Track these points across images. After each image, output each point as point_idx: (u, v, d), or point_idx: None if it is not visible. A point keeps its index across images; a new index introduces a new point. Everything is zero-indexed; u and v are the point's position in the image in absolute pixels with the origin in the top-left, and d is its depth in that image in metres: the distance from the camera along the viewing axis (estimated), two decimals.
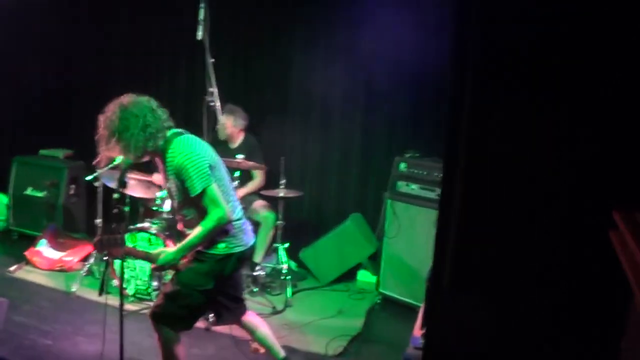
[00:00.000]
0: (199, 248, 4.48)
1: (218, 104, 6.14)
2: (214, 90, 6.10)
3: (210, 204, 4.33)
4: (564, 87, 2.83)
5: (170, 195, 4.62)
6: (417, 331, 4.88)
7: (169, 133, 4.45)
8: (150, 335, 5.73)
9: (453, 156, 3.13)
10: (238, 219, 4.59)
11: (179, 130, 4.54)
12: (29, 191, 8.34)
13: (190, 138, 4.50)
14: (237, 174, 6.61)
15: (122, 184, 4.55)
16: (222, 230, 4.45)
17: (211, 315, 5.80)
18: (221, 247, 4.50)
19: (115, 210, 4.55)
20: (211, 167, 4.39)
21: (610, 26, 2.67)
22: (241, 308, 5.04)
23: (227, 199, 4.47)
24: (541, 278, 2.94)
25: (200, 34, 6.08)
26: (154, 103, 4.48)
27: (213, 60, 6.12)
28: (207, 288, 4.52)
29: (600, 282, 2.82)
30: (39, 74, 8.88)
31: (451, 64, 3.11)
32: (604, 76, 2.72)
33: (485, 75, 2.99)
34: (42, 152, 8.72)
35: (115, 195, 4.59)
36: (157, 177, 6.86)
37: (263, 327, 5.15)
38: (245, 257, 4.70)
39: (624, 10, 2.63)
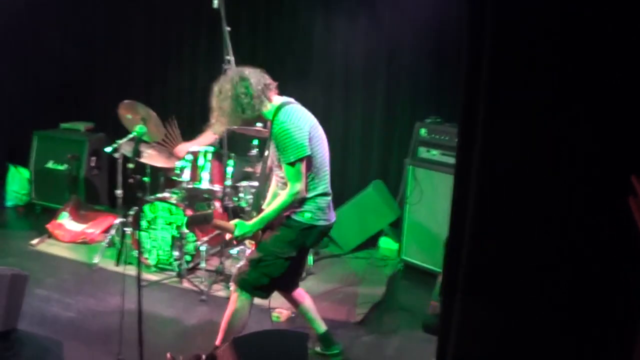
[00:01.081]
0: (288, 213, 4.62)
1: None
2: (231, 58, 6.04)
3: (291, 178, 4.52)
4: (582, 64, 2.74)
5: (267, 159, 4.87)
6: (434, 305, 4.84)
7: (276, 102, 4.68)
8: (171, 305, 5.80)
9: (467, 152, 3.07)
10: (325, 194, 4.75)
11: (287, 100, 4.76)
12: (50, 164, 8.35)
13: (291, 109, 4.65)
14: (255, 142, 6.56)
15: (137, 153, 4.56)
16: (309, 202, 4.63)
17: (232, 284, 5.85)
18: (307, 217, 4.64)
19: (130, 180, 4.57)
20: (309, 139, 4.56)
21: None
22: (297, 282, 5.16)
23: (317, 173, 4.66)
24: (556, 278, 2.87)
25: (216, 2, 6.02)
26: (253, 75, 4.65)
27: (229, 28, 6.06)
28: (290, 256, 4.67)
29: (617, 285, 2.75)
30: (58, 47, 8.88)
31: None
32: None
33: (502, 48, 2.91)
34: (63, 125, 8.72)
35: (130, 165, 4.59)
36: (180, 148, 6.87)
37: (307, 301, 5.19)
38: (325, 233, 4.87)
39: None
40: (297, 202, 4.59)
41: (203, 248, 6.47)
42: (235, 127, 4.93)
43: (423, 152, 6.84)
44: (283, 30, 8.11)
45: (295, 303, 5.20)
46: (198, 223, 4.77)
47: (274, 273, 4.68)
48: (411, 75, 7.52)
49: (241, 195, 6.59)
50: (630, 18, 2.56)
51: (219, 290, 6.33)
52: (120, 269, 6.71)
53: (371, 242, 7.61)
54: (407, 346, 5.57)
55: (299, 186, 4.51)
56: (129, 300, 5.62)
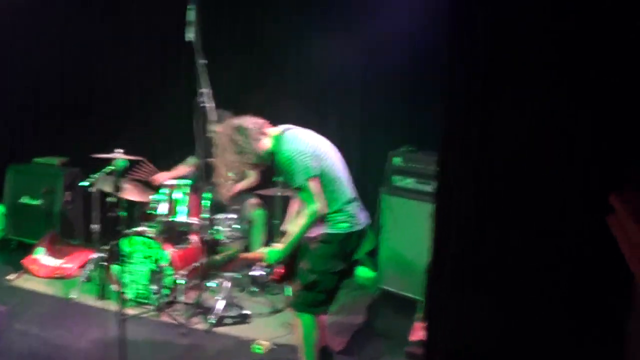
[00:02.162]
0: (323, 230, 4.82)
1: (211, 104, 6.11)
2: (206, 90, 6.08)
3: (306, 199, 4.73)
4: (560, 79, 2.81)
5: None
6: (418, 325, 4.90)
7: (274, 133, 4.91)
8: (151, 338, 5.79)
9: (451, 150, 3.12)
10: (351, 201, 4.92)
11: (284, 127, 4.98)
12: (25, 199, 8.30)
13: (290, 135, 4.89)
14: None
15: (118, 188, 4.60)
16: (338, 214, 4.82)
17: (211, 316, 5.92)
18: (345, 226, 4.84)
19: (110, 214, 4.61)
20: (315, 159, 4.76)
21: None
22: None
23: (335, 186, 4.84)
24: (544, 274, 2.93)
25: (191, 35, 6.05)
26: (244, 120, 4.97)
27: (205, 61, 6.10)
28: (339, 269, 4.91)
29: (604, 274, 2.81)
30: (31, 80, 8.88)
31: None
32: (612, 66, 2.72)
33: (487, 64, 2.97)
34: (37, 160, 8.67)
35: (110, 199, 4.62)
36: (157, 177, 6.93)
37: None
38: (363, 235, 5.02)
39: None
40: (319, 219, 4.77)
41: (181, 281, 6.49)
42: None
43: (397, 180, 6.90)
44: (255, 62, 8.16)
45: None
46: (213, 269, 4.96)
47: (329, 286, 4.93)
48: (385, 104, 7.57)
49: (218, 227, 6.62)
50: (628, 15, 2.63)
51: (197, 323, 6.32)
52: (99, 303, 6.73)
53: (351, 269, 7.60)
54: None
55: (315, 206, 4.69)
56: (108, 334, 5.68)
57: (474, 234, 3.09)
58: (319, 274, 4.85)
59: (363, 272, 7.46)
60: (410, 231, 6.76)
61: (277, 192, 6.92)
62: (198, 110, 6.09)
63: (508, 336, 3.04)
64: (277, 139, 4.87)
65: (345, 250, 4.92)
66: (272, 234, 7.20)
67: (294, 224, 4.90)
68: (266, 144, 4.90)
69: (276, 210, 7.12)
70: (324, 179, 4.79)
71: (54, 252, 7.62)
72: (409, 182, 6.86)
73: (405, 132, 7.42)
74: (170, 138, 8.31)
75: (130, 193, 6.84)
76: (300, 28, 7.92)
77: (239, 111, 7.27)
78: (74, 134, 8.99)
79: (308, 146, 4.82)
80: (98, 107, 8.95)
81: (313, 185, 4.70)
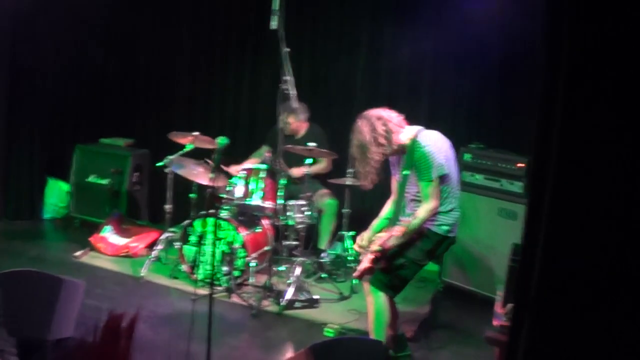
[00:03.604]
0: (427, 226, 5.06)
1: (293, 91, 6.24)
2: (289, 78, 6.20)
3: (428, 195, 4.97)
4: None
5: (405, 180, 5.15)
6: (499, 308, 4.97)
7: (411, 130, 5.13)
8: (222, 319, 5.85)
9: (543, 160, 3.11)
10: (456, 209, 5.20)
11: (420, 128, 5.17)
12: (91, 178, 8.47)
13: (429, 134, 5.15)
14: (308, 161, 6.70)
15: (219, 163, 4.73)
16: (445, 215, 5.08)
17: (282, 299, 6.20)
18: (444, 229, 5.12)
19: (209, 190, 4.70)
20: (447, 160, 5.06)
21: None
22: None
23: (450, 191, 5.10)
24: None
25: (274, 24, 6.17)
26: (383, 113, 5.17)
27: (288, 49, 6.22)
28: (424, 263, 5.24)
29: None
30: (100, 62, 9.08)
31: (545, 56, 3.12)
32: None
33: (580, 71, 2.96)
34: (103, 140, 8.83)
35: (211, 175, 4.75)
36: (233, 169, 7.07)
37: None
38: (452, 244, 5.32)
39: None
40: (436, 214, 5.02)
41: (252, 264, 6.61)
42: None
43: (467, 176, 6.99)
44: (330, 54, 8.29)
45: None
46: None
47: (409, 276, 5.22)
48: (452, 101, 7.70)
49: (289, 213, 6.75)
50: None
51: (268, 306, 6.44)
52: (169, 282, 6.87)
53: None
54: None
55: (434, 203, 4.97)
56: (180, 313, 5.81)
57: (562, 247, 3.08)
58: (408, 260, 5.09)
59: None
60: (476, 226, 6.87)
61: (347, 181, 7.00)
62: (282, 96, 6.21)
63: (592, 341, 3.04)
64: (414, 136, 5.08)
65: (436, 250, 5.21)
66: (341, 223, 7.30)
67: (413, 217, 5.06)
68: (402, 138, 5.11)
69: (346, 200, 7.21)
70: (446, 183, 5.06)
71: (120, 231, 7.77)
72: (478, 178, 6.95)
73: (473, 130, 7.52)
74: (244, 125, 8.59)
75: (203, 176, 6.96)
76: (372, 26, 8.08)
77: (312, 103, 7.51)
78: (139, 116, 9.17)
79: (443, 148, 5.11)
80: (167, 92, 9.10)
81: (438, 183, 4.97)
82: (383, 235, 5.13)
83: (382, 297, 5.13)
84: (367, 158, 5.08)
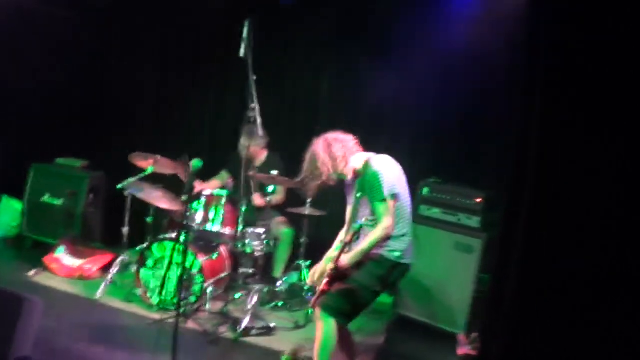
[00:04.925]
0: (379, 251, 5.10)
1: (259, 119, 6.28)
2: (256, 105, 6.24)
3: (381, 215, 5.00)
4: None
5: (358, 203, 5.23)
6: (463, 337, 5.05)
7: (364, 155, 5.28)
8: (181, 345, 5.80)
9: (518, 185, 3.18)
10: (408, 235, 5.24)
11: (373, 154, 5.32)
12: (46, 198, 8.37)
13: (381, 158, 5.26)
14: (271, 188, 6.72)
15: (191, 187, 4.75)
16: (391, 239, 5.08)
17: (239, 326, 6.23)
18: (396, 255, 5.13)
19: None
20: (398, 183, 5.16)
21: None
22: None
23: (402, 215, 5.17)
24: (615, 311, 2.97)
25: (242, 51, 6.23)
26: (339, 137, 5.35)
27: (255, 77, 6.26)
28: (377, 290, 5.20)
29: None
30: (60, 82, 8.93)
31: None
32: None
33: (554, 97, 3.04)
34: (59, 160, 8.73)
35: (183, 198, 4.77)
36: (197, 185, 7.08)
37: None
38: (406, 271, 5.32)
39: None
40: (385, 239, 5.05)
41: (209, 290, 6.60)
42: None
43: (425, 210, 7.09)
44: (292, 79, 8.49)
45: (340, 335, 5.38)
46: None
47: (360, 302, 5.17)
48: (412, 135, 7.83)
49: (247, 241, 6.77)
50: None
51: (224, 333, 6.41)
52: (124, 305, 6.80)
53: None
54: None
55: (388, 221, 5.00)
56: (138, 338, 5.79)
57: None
58: (358, 285, 5.09)
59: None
60: (433, 259, 6.95)
61: (306, 211, 7.05)
62: (248, 123, 6.25)
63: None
64: (367, 160, 5.21)
65: (389, 277, 5.20)
66: (298, 252, 7.34)
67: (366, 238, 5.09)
68: (356, 162, 5.25)
69: (304, 229, 7.24)
70: (397, 205, 5.11)
71: (74, 253, 7.68)
72: (436, 212, 7.06)
73: (433, 163, 7.64)
74: (209, 148, 8.58)
75: (160, 200, 6.94)
76: (341, 58, 8.18)
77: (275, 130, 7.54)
78: (96, 138, 9.10)
79: (394, 171, 5.23)
80: (127, 117, 9.08)
81: (391, 204, 5.04)
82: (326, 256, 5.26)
83: (331, 324, 5.08)
84: (316, 175, 5.23)
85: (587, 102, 2.89)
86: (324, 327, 5.09)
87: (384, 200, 4.99)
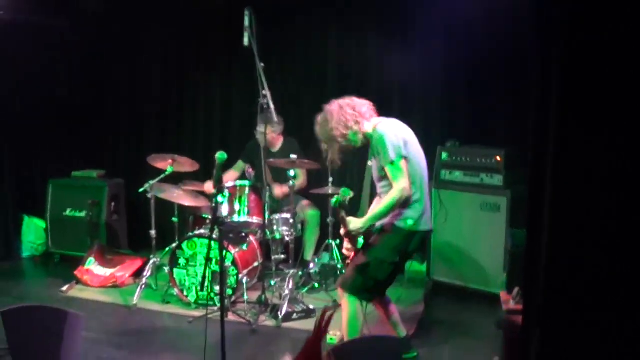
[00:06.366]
0: (390, 220, 5.00)
1: (272, 105, 6.28)
2: (267, 92, 6.24)
3: (395, 176, 4.88)
4: None
5: (370, 171, 5.24)
6: (505, 295, 5.07)
7: (375, 120, 5.17)
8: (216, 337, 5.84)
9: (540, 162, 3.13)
10: (423, 201, 5.06)
11: (384, 118, 5.24)
12: (68, 212, 8.41)
13: (389, 122, 5.17)
14: (292, 173, 6.74)
15: (219, 180, 4.76)
16: (407, 205, 4.96)
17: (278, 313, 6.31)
18: (410, 224, 4.98)
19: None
20: (404, 144, 4.96)
21: None
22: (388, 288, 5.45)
23: (414, 180, 4.99)
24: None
25: (246, 40, 6.22)
26: (351, 101, 5.21)
27: (263, 64, 6.26)
28: (394, 261, 5.07)
29: None
30: (65, 95, 8.97)
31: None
32: None
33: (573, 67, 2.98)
34: (75, 173, 8.75)
35: (214, 191, 4.80)
36: (208, 186, 7.08)
37: (392, 306, 5.56)
38: (426, 238, 5.29)
39: None
40: (403, 202, 4.91)
41: (244, 280, 6.63)
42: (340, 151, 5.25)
43: (446, 174, 7.11)
44: (299, 64, 8.48)
45: (382, 307, 5.49)
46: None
47: (379, 276, 5.05)
48: (424, 102, 7.83)
49: (275, 227, 6.81)
50: None
51: (265, 321, 6.45)
52: (162, 307, 6.84)
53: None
54: (462, 352, 5.88)
55: (404, 182, 4.86)
56: (181, 337, 5.83)
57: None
58: (374, 260, 5.02)
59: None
60: (460, 222, 7.01)
61: (329, 190, 7.06)
62: (262, 110, 6.26)
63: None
64: (375, 125, 5.11)
65: (407, 247, 5.09)
66: (326, 233, 7.36)
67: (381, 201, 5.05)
68: (368, 126, 5.14)
69: (329, 209, 7.25)
70: (409, 166, 4.98)
71: (104, 262, 7.71)
72: (458, 175, 7.07)
73: (447, 128, 7.68)
74: (224, 141, 8.57)
75: (184, 198, 6.97)
76: (352, 27, 8.16)
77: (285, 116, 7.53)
78: (108, 146, 9.14)
79: (402, 132, 5.07)
80: (136, 121, 9.12)
81: (403, 165, 4.90)
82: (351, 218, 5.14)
83: (355, 303, 5.06)
84: (330, 138, 5.14)
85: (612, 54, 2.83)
86: (349, 307, 5.08)
87: (392, 162, 4.87)
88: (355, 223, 5.03)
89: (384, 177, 5.03)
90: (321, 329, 2.93)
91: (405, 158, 4.93)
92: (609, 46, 2.77)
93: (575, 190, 2.92)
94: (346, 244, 5.28)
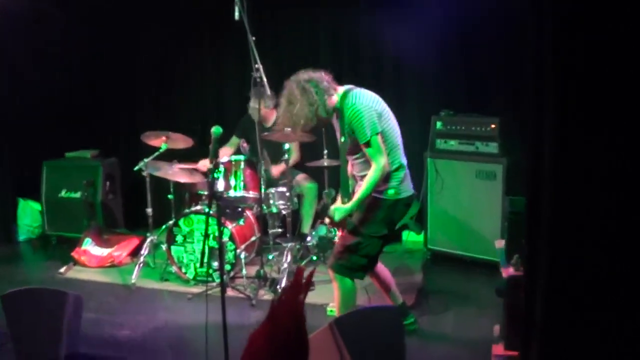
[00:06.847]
0: (373, 194, 4.91)
1: (265, 79, 6.23)
2: (259, 66, 6.19)
3: (373, 154, 4.81)
4: None
5: (345, 146, 5.03)
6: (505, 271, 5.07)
7: (340, 90, 5.00)
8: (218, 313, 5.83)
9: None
10: (401, 167, 5.01)
11: (349, 86, 5.07)
12: (64, 194, 8.38)
13: (357, 92, 4.98)
14: (286, 146, 6.71)
15: (216, 154, 4.73)
16: (387, 179, 4.91)
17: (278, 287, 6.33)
18: (391, 193, 4.96)
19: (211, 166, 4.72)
20: (379, 117, 4.85)
21: None
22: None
23: (391, 149, 4.93)
24: None
25: (237, 14, 6.16)
26: (315, 74, 5.01)
27: (254, 38, 6.20)
28: (383, 234, 5.03)
29: None
30: (57, 77, 8.85)
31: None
32: None
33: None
34: (69, 154, 8.71)
35: (210, 166, 4.77)
36: (202, 164, 7.05)
37: (386, 273, 5.54)
38: (409, 204, 5.12)
39: None
40: (384, 178, 4.87)
41: (242, 255, 6.63)
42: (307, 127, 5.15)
43: (441, 143, 7.10)
44: (292, 36, 8.39)
45: (376, 276, 5.47)
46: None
47: (371, 252, 5.04)
48: (418, 72, 7.76)
49: (271, 201, 6.78)
50: None
51: (265, 295, 6.45)
52: (159, 284, 6.86)
53: (394, 237, 7.78)
54: (463, 321, 5.90)
55: (382, 161, 4.79)
56: (181, 314, 5.80)
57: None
58: (363, 238, 4.99)
59: (409, 236, 7.67)
60: (456, 191, 7.02)
61: (325, 162, 7.03)
62: (255, 84, 6.21)
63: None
64: (343, 95, 4.96)
65: (392, 216, 5.05)
66: (326, 205, 7.34)
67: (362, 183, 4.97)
68: (334, 99, 4.98)
69: (326, 181, 7.23)
70: (384, 138, 4.90)
71: (101, 242, 7.70)
72: (453, 144, 7.06)
73: (440, 98, 7.62)
74: (218, 116, 8.47)
75: (179, 176, 6.96)
76: (337, 3, 8.04)
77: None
78: (101, 125, 9.07)
79: (374, 103, 4.94)
80: (130, 100, 9.08)
81: (379, 141, 4.81)
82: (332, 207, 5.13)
83: (347, 283, 5.05)
84: (299, 124, 4.99)
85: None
86: (341, 288, 5.07)
87: (369, 141, 4.77)
88: (340, 212, 5.00)
89: (357, 150, 4.96)
90: (299, 283, 2.87)
91: (381, 133, 4.84)
92: (608, 46, 2.75)
93: (575, 190, 2.91)
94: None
